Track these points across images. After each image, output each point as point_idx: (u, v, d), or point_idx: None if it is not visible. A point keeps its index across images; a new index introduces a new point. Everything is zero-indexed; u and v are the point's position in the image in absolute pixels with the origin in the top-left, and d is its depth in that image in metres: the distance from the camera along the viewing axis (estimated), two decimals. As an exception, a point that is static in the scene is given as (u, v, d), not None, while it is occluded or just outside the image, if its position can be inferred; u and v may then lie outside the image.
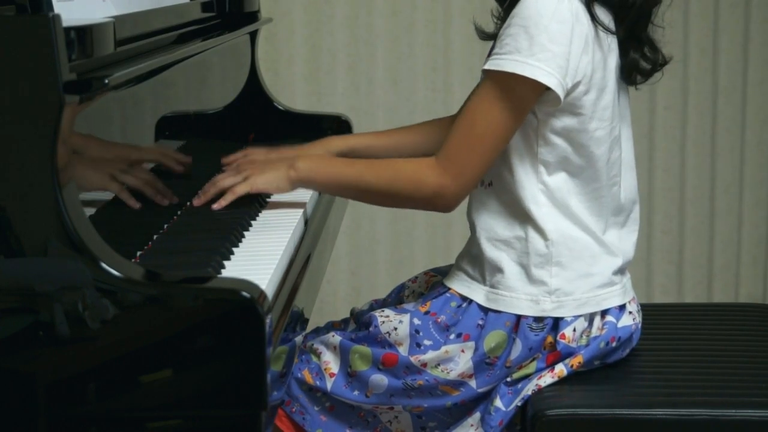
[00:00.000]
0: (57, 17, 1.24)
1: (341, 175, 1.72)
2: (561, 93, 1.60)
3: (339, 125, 2.37)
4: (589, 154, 1.68)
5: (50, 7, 1.29)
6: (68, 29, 1.26)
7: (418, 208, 1.76)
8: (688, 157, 3.24)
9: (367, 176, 1.70)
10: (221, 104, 2.20)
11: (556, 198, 1.68)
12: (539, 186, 1.67)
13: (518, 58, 1.59)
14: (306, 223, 1.77)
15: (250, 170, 1.77)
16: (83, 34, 1.30)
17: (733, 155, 3.25)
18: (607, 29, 1.65)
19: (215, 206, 1.73)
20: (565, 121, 1.65)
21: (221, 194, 1.75)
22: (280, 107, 2.36)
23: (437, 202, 1.67)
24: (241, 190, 1.74)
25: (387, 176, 1.70)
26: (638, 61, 1.71)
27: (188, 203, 1.79)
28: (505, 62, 1.60)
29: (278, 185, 1.74)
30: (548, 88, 1.60)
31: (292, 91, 3.09)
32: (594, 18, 1.63)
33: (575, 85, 1.62)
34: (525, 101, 1.62)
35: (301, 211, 1.77)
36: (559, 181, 1.68)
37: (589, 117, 1.66)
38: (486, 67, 1.62)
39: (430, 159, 1.66)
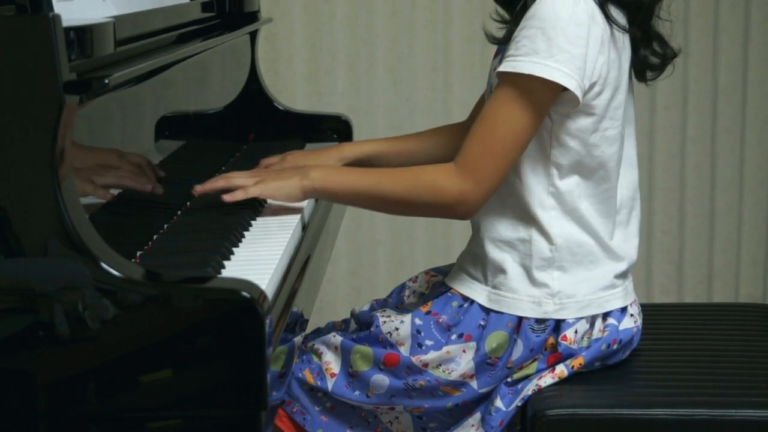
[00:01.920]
0: (57, 17, 1.24)
1: (357, 184, 1.68)
2: (580, 94, 1.60)
3: (339, 125, 2.37)
4: (600, 153, 1.67)
5: (50, 7, 1.28)
6: (68, 29, 1.26)
7: (438, 216, 1.72)
8: (688, 157, 3.24)
9: (385, 184, 1.66)
10: (221, 104, 2.19)
11: (566, 201, 1.67)
12: (550, 189, 1.67)
13: (536, 60, 1.58)
14: (306, 223, 1.77)
15: (264, 175, 1.74)
16: (83, 34, 1.30)
17: (733, 155, 3.25)
18: (622, 28, 1.64)
19: (226, 197, 1.69)
20: (579, 123, 1.64)
21: (226, 189, 1.72)
22: (280, 107, 2.36)
23: (458, 209, 1.64)
24: (252, 192, 1.69)
25: (405, 184, 1.66)
26: (648, 57, 1.71)
27: (188, 203, 1.78)
28: (523, 64, 1.58)
29: (289, 193, 1.70)
30: (565, 89, 1.59)
31: (292, 91, 3.09)
32: (609, 18, 1.63)
33: (591, 86, 1.62)
34: (544, 103, 1.61)
35: (301, 211, 1.77)
36: (571, 184, 1.67)
37: (601, 116, 1.65)
38: (502, 69, 1.61)
39: (449, 165, 1.64)
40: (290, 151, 1.95)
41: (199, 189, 1.72)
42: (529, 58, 1.58)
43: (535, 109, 1.60)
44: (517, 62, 1.59)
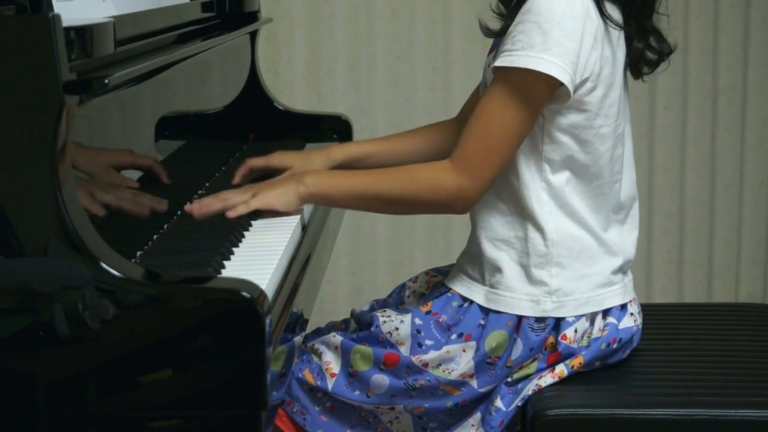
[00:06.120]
0: (57, 17, 1.24)
1: (354, 186, 1.69)
2: (572, 89, 1.60)
3: (339, 125, 2.37)
4: (593, 150, 1.67)
5: (50, 7, 1.28)
6: (68, 29, 1.26)
7: (436, 212, 1.74)
8: (688, 157, 3.24)
9: (382, 184, 1.68)
10: (221, 104, 2.19)
11: (558, 196, 1.68)
12: (542, 184, 1.67)
13: (532, 54, 1.58)
14: (306, 223, 1.77)
15: (259, 187, 1.74)
16: (83, 34, 1.30)
17: (733, 155, 3.25)
18: (617, 25, 1.65)
19: (230, 213, 1.67)
20: (571, 118, 1.65)
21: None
22: (280, 107, 2.36)
23: (456, 205, 1.65)
24: (253, 205, 1.69)
25: (403, 182, 1.67)
26: (643, 51, 1.70)
27: (188, 204, 1.78)
28: (518, 58, 1.59)
29: (287, 201, 1.70)
30: (561, 84, 1.59)
31: (292, 91, 3.09)
32: (603, 14, 1.63)
33: (583, 82, 1.62)
34: (539, 97, 1.61)
35: (301, 211, 1.76)
36: (562, 179, 1.67)
37: (594, 113, 1.65)
38: (498, 63, 1.61)
39: (446, 162, 1.65)
40: (280, 150, 1.94)
41: (197, 213, 1.69)
42: (524, 52, 1.58)
43: (531, 103, 1.60)
44: (513, 56, 1.59)
